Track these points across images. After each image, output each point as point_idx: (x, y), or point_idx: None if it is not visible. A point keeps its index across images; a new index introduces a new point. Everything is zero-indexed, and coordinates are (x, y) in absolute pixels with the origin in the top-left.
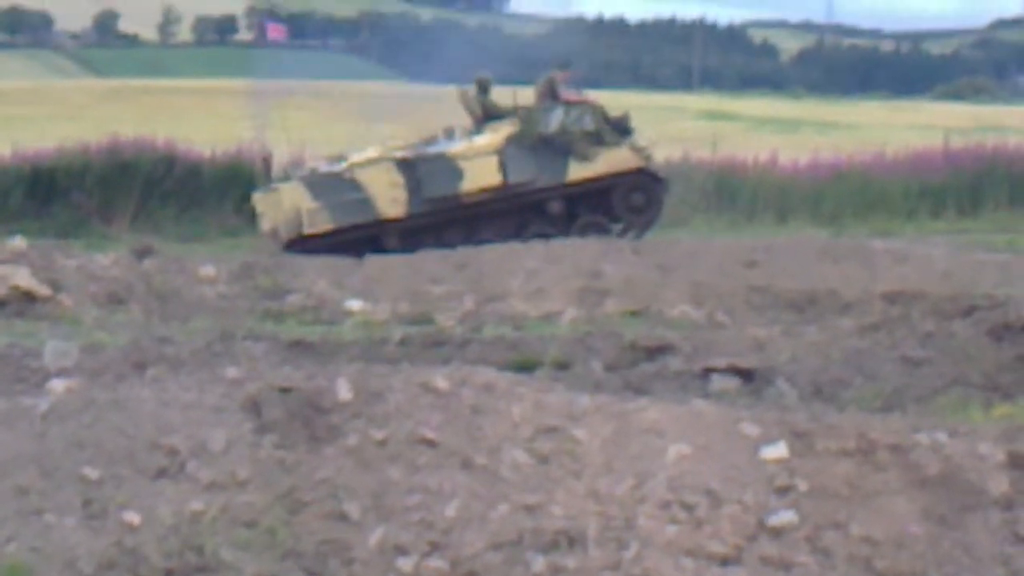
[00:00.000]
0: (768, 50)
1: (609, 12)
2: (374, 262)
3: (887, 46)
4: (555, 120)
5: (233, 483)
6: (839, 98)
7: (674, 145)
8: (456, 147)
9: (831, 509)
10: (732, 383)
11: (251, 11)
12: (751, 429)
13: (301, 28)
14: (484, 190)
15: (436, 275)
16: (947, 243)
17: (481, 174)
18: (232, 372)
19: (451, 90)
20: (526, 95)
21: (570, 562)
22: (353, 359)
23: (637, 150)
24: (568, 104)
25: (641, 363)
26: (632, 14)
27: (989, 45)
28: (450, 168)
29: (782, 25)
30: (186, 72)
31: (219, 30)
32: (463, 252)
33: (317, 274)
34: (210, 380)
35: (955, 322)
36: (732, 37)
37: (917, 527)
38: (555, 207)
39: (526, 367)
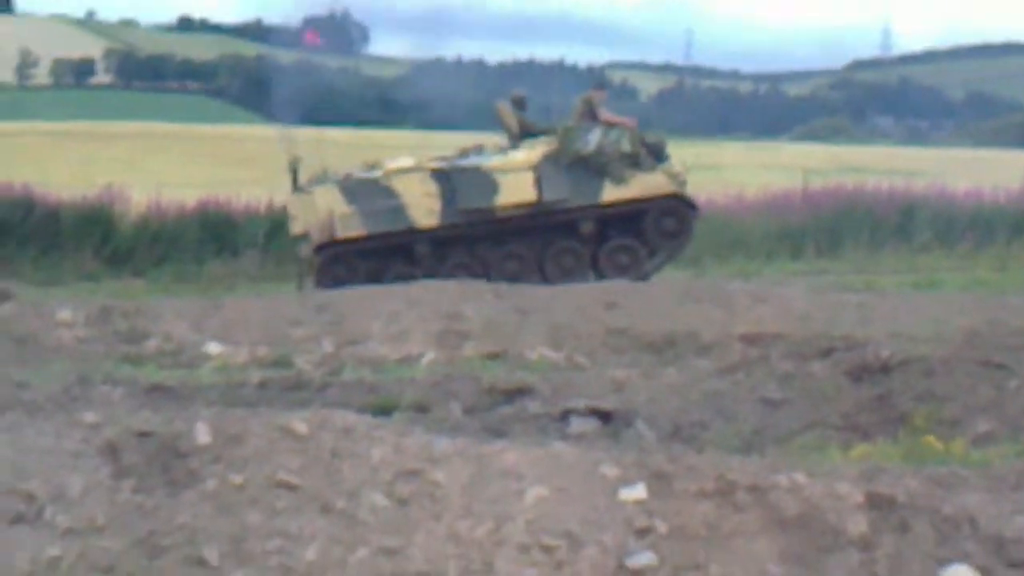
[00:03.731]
0: (628, 91)
1: (468, 54)
2: (233, 305)
3: (746, 87)
4: (593, 140)
5: (91, 529)
6: (700, 139)
7: None
8: (492, 161)
9: (690, 550)
10: (591, 425)
11: (109, 53)
12: (610, 471)
13: (159, 71)
14: (518, 205)
15: (296, 318)
16: (806, 284)
17: (516, 189)
18: (90, 417)
19: (309, 131)
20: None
21: None
22: (212, 403)
23: (672, 176)
24: (607, 125)
25: (500, 406)
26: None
27: (847, 86)
28: (486, 181)
29: (642, 67)
30: (44, 115)
31: (77, 73)
32: (323, 295)
33: (176, 317)
34: (68, 425)
35: (813, 363)
36: (592, 78)
37: (776, 568)
38: (587, 227)
39: (386, 410)
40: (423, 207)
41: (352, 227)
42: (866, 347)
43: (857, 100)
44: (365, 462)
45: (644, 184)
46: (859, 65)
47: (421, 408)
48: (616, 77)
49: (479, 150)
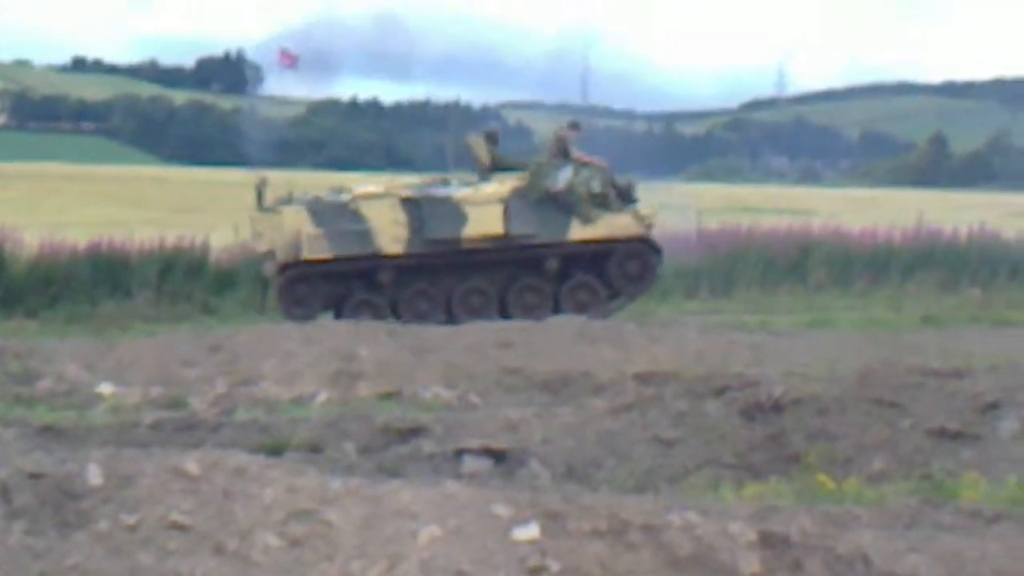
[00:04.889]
0: (523, 131)
1: (363, 95)
2: (126, 345)
3: (640, 127)
4: (564, 178)
5: None
6: None
7: None
8: (462, 192)
9: None
10: (485, 464)
11: (2, 94)
12: (503, 510)
13: (53, 111)
14: (485, 237)
15: (189, 358)
16: (700, 323)
17: (484, 221)
18: None
19: (206, 172)
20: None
21: None
22: (104, 444)
23: (639, 218)
24: (578, 164)
25: (394, 445)
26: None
27: (742, 126)
28: (455, 212)
29: (537, 106)
30: None
31: None
32: (217, 334)
33: (69, 358)
34: None
35: (707, 402)
36: (486, 118)
37: None
38: (552, 264)
39: (278, 450)
40: (390, 234)
41: (318, 249)
42: (759, 386)
43: (752, 140)
44: (258, 502)
45: (611, 225)
46: (754, 105)
47: (314, 448)
48: (511, 117)
49: (446, 182)
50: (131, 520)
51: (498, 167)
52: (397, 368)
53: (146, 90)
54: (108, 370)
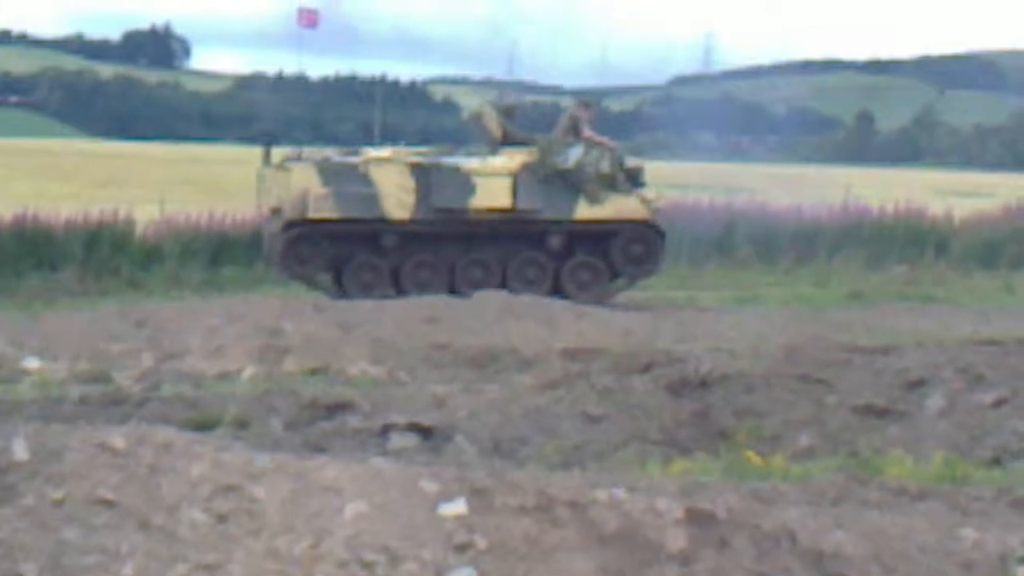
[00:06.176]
0: (449, 107)
1: (290, 68)
2: (52, 320)
3: (567, 103)
4: (574, 156)
5: None
6: None
7: None
8: (472, 163)
9: (510, 566)
10: (411, 440)
11: None
12: (430, 486)
13: None
14: (492, 210)
15: (115, 332)
16: (628, 300)
17: (492, 194)
18: None
19: (132, 146)
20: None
21: None
22: (30, 418)
23: (646, 202)
24: (589, 143)
25: (320, 421)
26: (314, 71)
27: (669, 102)
28: (463, 182)
29: (464, 82)
30: None
31: None
32: (143, 309)
33: None
34: None
35: (634, 378)
36: (413, 94)
37: None
38: (555, 241)
39: (205, 426)
40: (397, 199)
41: (325, 208)
42: (686, 362)
43: (680, 116)
44: (184, 478)
45: (618, 206)
46: (682, 81)
47: (241, 423)
48: (438, 92)
49: (453, 151)
50: (57, 495)
51: (509, 141)
52: (324, 344)
53: (72, 63)
54: (34, 345)
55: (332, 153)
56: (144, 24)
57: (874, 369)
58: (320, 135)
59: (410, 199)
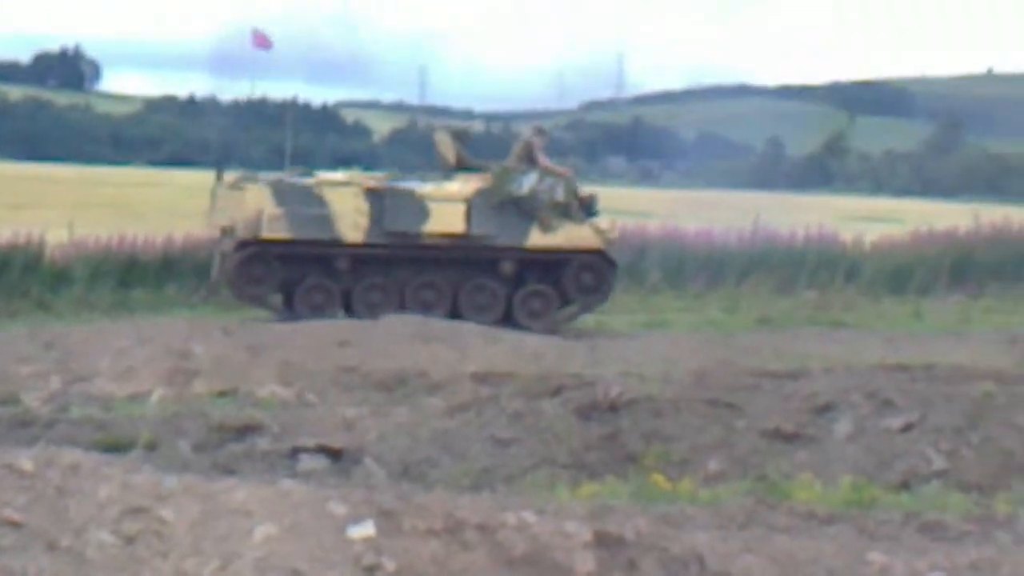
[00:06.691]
0: (361, 130)
1: (201, 91)
2: None
3: (478, 127)
4: (528, 184)
5: None
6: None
7: None
8: (426, 187)
9: None
10: (320, 463)
11: None
12: (338, 508)
13: None
14: (445, 235)
15: (24, 355)
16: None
17: (446, 219)
18: None
19: (42, 168)
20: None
21: None
22: None
23: (599, 231)
24: (544, 171)
25: (229, 443)
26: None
27: (580, 127)
28: (417, 206)
29: (375, 106)
30: None
31: None
32: (52, 331)
33: None
34: None
35: (544, 402)
36: (325, 117)
37: None
38: (507, 268)
39: (114, 447)
40: (351, 222)
41: (279, 229)
42: (596, 386)
43: (590, 140)
44: (92, 499)
45: (570, 235)
46: (593, 106)
47: (150, 446)
48: (349, 116)
49: (405, 177)
50: None
51: (463, 167)
52: (233, 366)
53: None
54: None
55: (286, 175)
56: (54, 46)
57: (783, 394)
58: (230, 158)
59: (364, 222)
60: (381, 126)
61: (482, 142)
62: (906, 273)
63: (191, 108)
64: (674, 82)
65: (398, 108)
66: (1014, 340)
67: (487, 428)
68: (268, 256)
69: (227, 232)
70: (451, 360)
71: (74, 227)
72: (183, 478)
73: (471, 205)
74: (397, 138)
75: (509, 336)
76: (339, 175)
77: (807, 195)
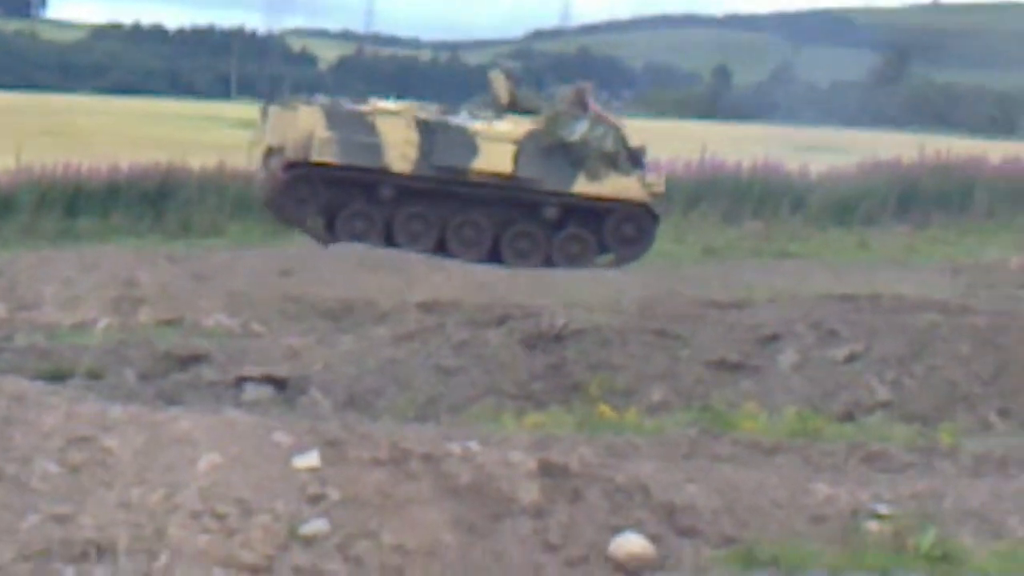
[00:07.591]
0: (307, 58)
1: (147, 19)
2: None
3: (425, 56)
4: (579, 130)
5: None
6: None
7: (210, 154)
8: (478, 125)
9: (363, 518)
10: (266, 392)
11: None
12: (283, 438)
13: None
14: (492, 174)
15: None
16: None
17: (494, 158)
18: None
19: None
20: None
21: (100, 572)
22: None
23: (645, 184)
24: (595, 119)
25: (175, 373)
26: (170, 21)
27: (526, 56)
28: (467, 142)
29: (321, 34)
30: None
31: None
32: None
33: None
34: None
35: (489, 332)
36: (271, 45)
37: (449, 536)
38: (550, 212)
39: (59, 377)
40: (400, 152)
41: (328, 153)
42: (541, 316)
43: (537, 70)
44: (36, 429)
45: (616, 185)
46: (539, 35)
47: (95, 375)
48: (295, 44)
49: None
50: None
51: (516, 108)
52: (179, 295)
53: None
54: None
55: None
56: None
57: (728, 324)
58: (177, 87)
59: (413, 153)
60: (328, 54)
61: (430, 71)
62: (852, 204)
63: (137, 35)
64: (621, 11)
65: (345, 36)
66: (958, 271)
67: (432, 357)
68: (315, 179)
69: (272, 152)
70: (396, 289)
71: (20, 155)
72: (128, 408)
73: (520, 147)
74: (343, 66)
75: (455, 265)
76: (392, 104)
77: (753, 125)
